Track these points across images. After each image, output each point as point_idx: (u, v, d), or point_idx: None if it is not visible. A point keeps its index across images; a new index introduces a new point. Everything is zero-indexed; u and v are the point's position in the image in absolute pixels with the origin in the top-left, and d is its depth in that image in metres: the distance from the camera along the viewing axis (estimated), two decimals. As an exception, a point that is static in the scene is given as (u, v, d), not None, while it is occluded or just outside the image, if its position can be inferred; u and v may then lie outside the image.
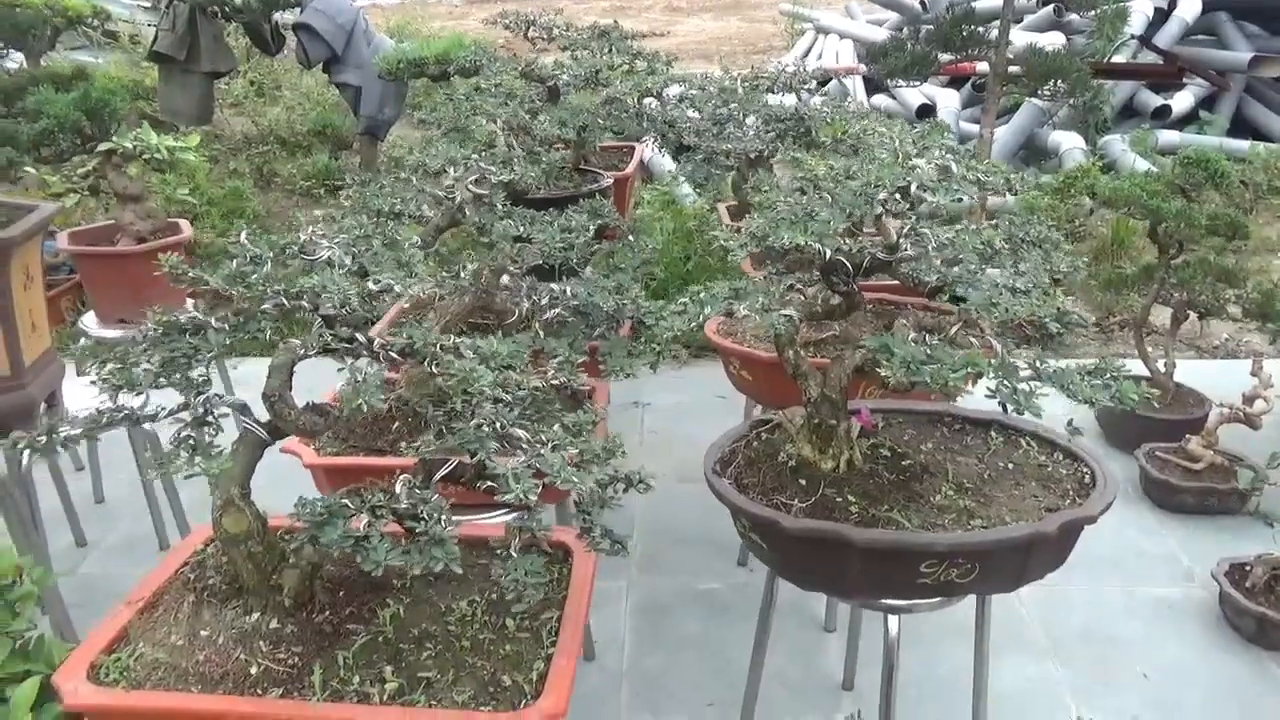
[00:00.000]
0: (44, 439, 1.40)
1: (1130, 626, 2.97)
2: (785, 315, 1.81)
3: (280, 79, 6.99)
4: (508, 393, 1.58)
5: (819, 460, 2.04)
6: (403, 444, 2.28)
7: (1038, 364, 1.74)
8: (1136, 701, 2.66)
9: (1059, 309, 1.77)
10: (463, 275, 1.83)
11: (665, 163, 6.76)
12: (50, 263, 4.76)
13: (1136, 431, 3.83)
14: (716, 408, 4.26)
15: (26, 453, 2.79)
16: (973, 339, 1.90)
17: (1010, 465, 2.14)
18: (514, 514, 1.88)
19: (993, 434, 2.27)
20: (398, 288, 1.48)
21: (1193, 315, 3.97)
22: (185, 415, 1.47)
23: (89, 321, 3.47)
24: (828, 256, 1.96)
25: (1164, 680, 2.74)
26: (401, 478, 1.49)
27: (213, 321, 1.42)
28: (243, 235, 1.48)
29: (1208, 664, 2.79)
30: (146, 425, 1.53)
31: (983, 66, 7.28)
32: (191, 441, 1.43)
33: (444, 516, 1.40)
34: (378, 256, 1.49)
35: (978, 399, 2.02)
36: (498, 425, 1.50)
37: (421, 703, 1.45)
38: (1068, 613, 3.02)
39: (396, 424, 2.34)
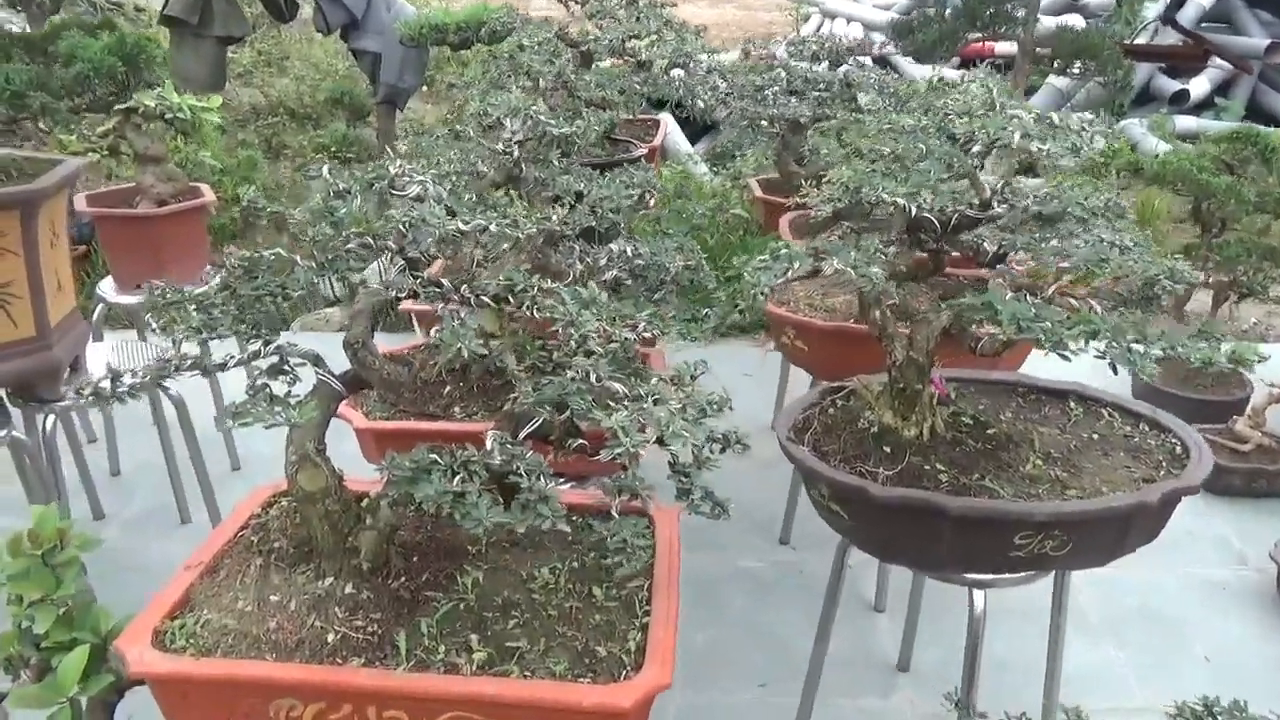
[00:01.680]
0: (108, 387, 1.29)
1: (1186, 609, 2.89)
2: (874, 271, 1.71)
3: (289, 49, 6.83)
4: (600, 345, 1.48)
5: (901, 427, 1.95)
6: (456, 409, 2.17)
7: (1143, 327, 1.66)
8: (1200, 683, 2.58)
9: (1171, 268, 1.68)
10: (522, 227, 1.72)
11: (682, 143, 6.65)
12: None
13: (1179, 413, 3.75)
14: (745, 386, 4.17)
15: (51, 417, 2.69)
16: (1073, 300, 1.81)
17: (1095, 436, 2.05)
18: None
19: (1071, 404, 2.18)
20: (493, 228, 1.37)
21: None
22: (260, 364, 1.36)
23: (106, 287, 3.35)
24: (914, 213, 1.86)
25: (1226, 662, 2.66)
26: (491, 433, 1.39)
27: (299, 260, 1.31)
28: (325, 169, 1.37)
29: (1269, 645, 2.72)
30: (194, 379, 1.42)
31: (1003, 47, 7.20)
32: (269, 391, 1.32)
33: (544, 472, 1.30)
34: (462, 198, 1.38)
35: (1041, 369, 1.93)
36: (594, 377, 1.40)
37: (515, 673, 1.35)
38: (1123, 595, 2.94)
39: (448, 388, 2.23)
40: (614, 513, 1.34)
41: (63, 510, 2.51)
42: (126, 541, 3.17)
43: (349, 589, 1.45)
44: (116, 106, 3.08)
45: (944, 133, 1.76)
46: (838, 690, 2.57)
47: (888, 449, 1.92)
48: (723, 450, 1.51)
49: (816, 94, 3.08)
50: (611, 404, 1.41)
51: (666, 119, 3.85)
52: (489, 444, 1.36)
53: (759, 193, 3.98)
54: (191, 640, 1.40)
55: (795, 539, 3.24)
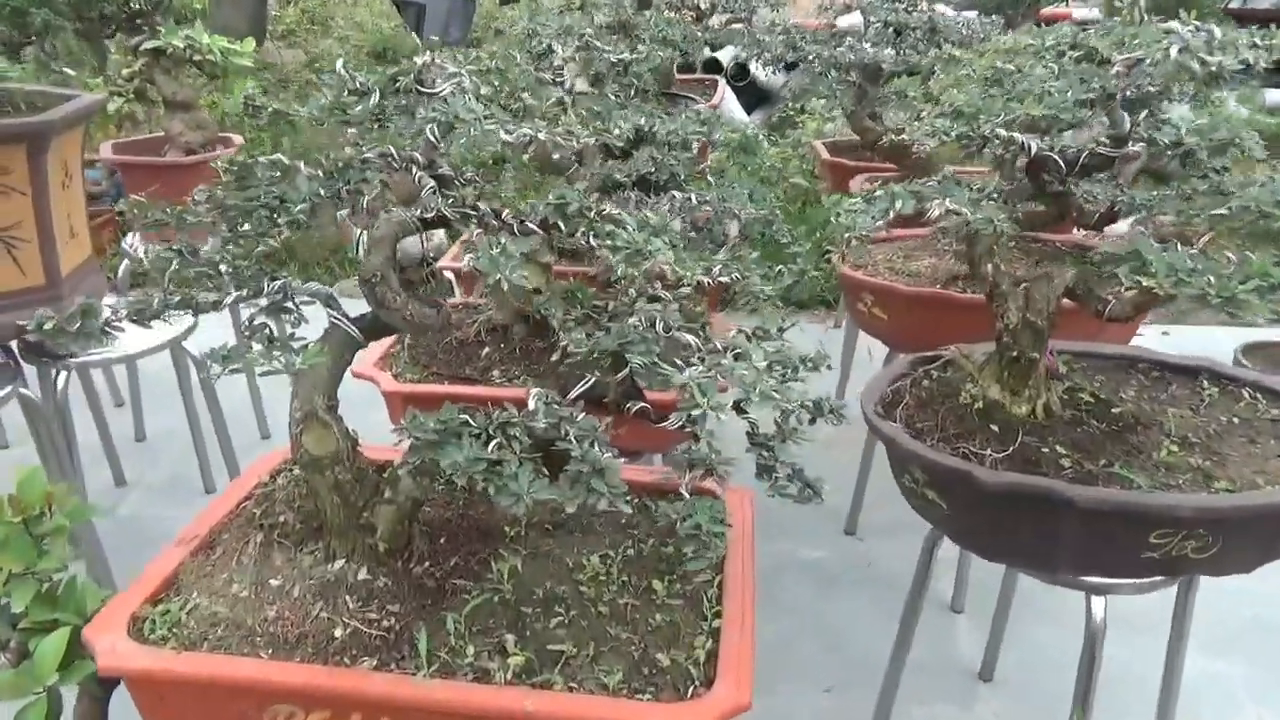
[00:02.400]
0: (76, 322, 1.06)
1: (1308, 621, 2.57)
2: (991, 212, 1.43)
3: (334, 9, 6.63)
4: (667, 290, 1.22)
5: (1010, 403, 1.67)
6: (495, 373, 1.93)
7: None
8: (1326, 705, 2.27)
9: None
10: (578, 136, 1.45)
11: (737, 111, 6.35)
12: (90, 191, 4.47)
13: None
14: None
15: (63, 375, 2.50)
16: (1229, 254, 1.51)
17: (1236, 420, 1.75)
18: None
19: (1204, 383, 1.87)
20: (542, 135, 1.12)
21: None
22: (260, 301, 1.12)
23: (134, 241, 3.16)
24: (1033, 151, 1.58)
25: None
26: (535, 393, 1.14)
27: (302, 168, 1.07)
28: (339, 64, 1.12)
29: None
30: (200, 317, 1.19)
31: (1081, 12, 6.77)
32: (268, 331, 1.08)
33: (600, 439, 1.04)
34: (509, 102, 1.13)
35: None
36: (660, 325, 1.15)
37: (559, 684, 1.11)
38: (1235, 604, 2.62)
39: (486, 349, 1.99)
40: (684, 492, 1.08)
41: (67, 473, 2.32)
42: (147, 509, 3.00)
43: (362, 574, 1.22)
44: (143, 46, 2.87)
45: (1079, 51, 1.47)
46: (913, 698, 2.30)
47: (995, 428, 1.64)
48: (813, 420, 1.25)
49: (902, 40, 2.78)
50: (681, 359, 1.16)
51: (723, 84, 3.56)
52: (531, 404, 1.12)
53: (826, 155, 3.68)
54: (175, 630, 1.17)
55: (862, 528, 2.97)
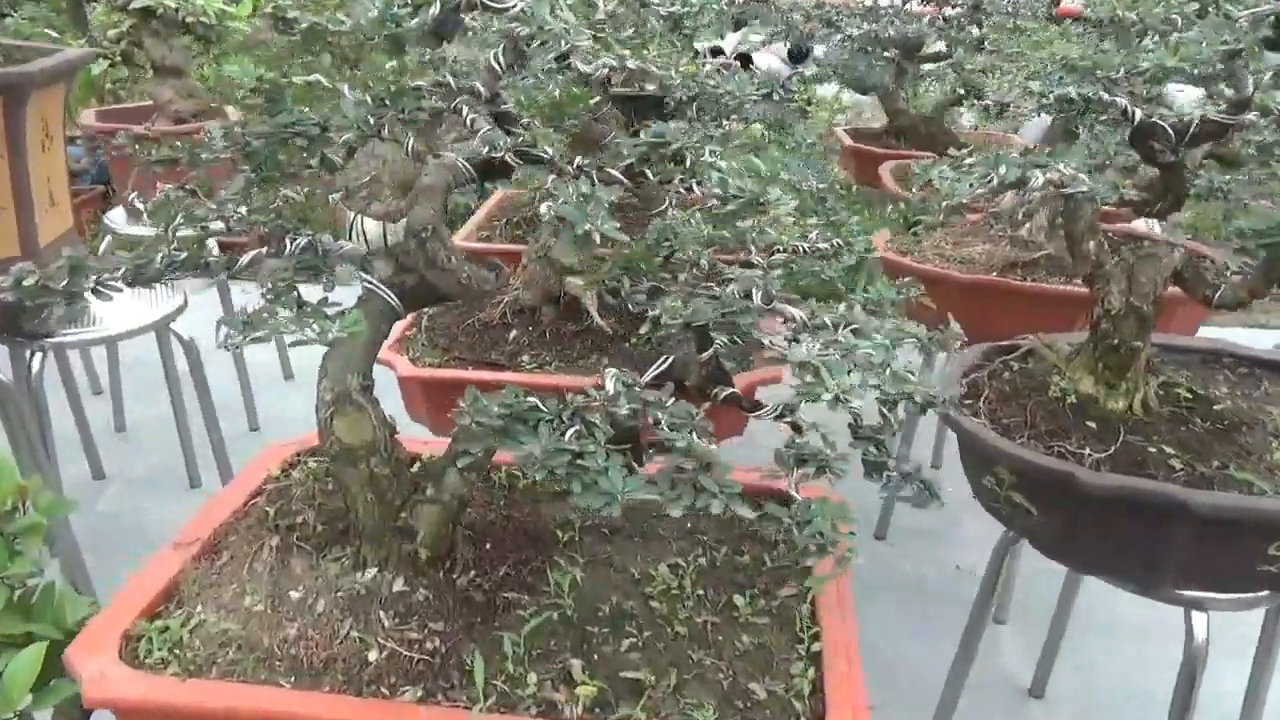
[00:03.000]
0: (64, 280, 0.87)
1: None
2: (1109, 181, 1.26)
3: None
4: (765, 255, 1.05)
5: (1106, 398, 1.50)
6: (524, 358, 1.75)
7: None
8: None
9: None
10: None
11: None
12: (72, 169, 4.24)
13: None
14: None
15: (38, 356, 2.28)
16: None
17: (1343, 419, 1.59)
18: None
19: (1297, 379, 1.72)
20: (632, 64, 0.93)
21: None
22: (282, 263, 0.94)
23: (115, 217, 2.95)
24: (1137, 118, 1.41)
25: None
26: (610, 373, 0.95)
27: (347, 90, 0.88)
28: (386, -31, 0.93)
29: None
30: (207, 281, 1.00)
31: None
32: (296, 295, 0.90)
33: (700, 428, 0.86)
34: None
35: None
36: (757, 296, 0.97)
37: (641, 721, 0.92)
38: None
39: (514, 332, 1.81)
40: (794, 491, 0.91)
41: (41, 465, 2.12)
42: (128, 504, 2.79)
43: (399, 585, 1.03)
44: (132, 5, 2.66)
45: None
46: (962, 716, 2.14)
47: (1093, 424, 1.47)
48: (923, 411, 1.08)
49: (944, 18, 2.62)
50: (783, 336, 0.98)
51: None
52: (609, 386, 0.93)
53: (849, 142, 3.52)
54: (177, 652, 0.98)
55: (893, 534, 2.81)
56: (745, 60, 6.26)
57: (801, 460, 0.94)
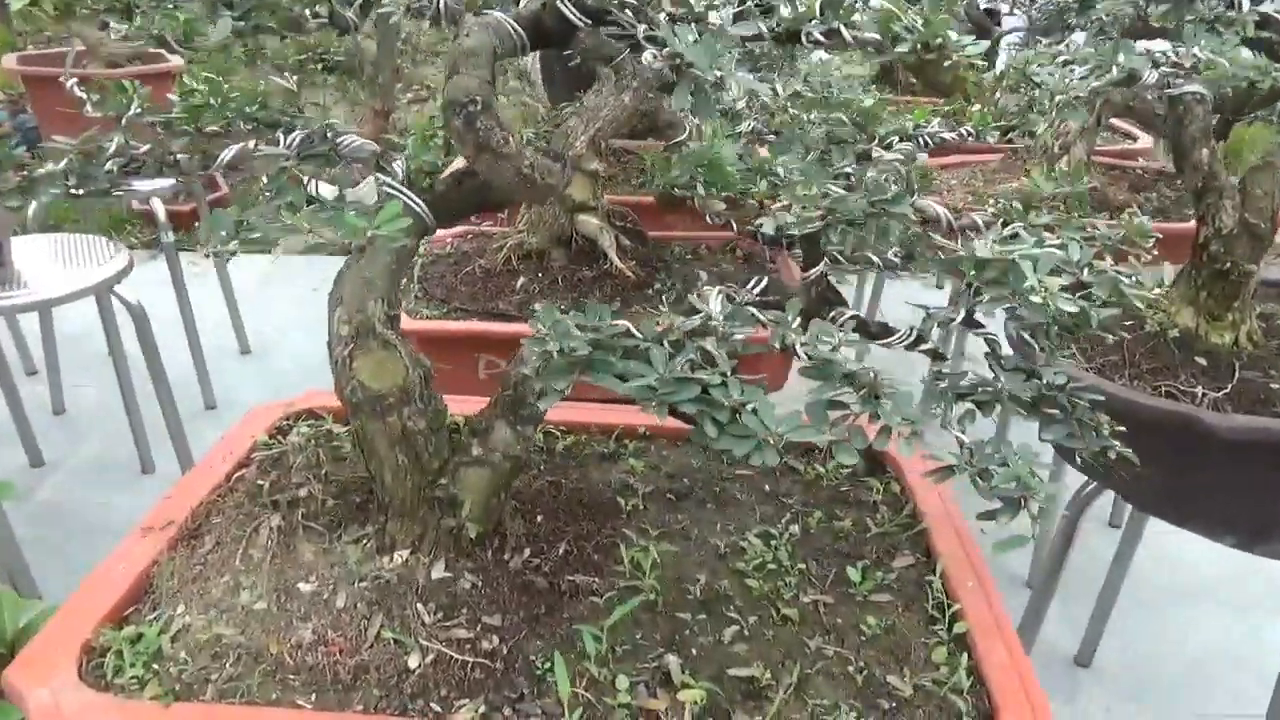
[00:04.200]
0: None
1: None
2: (1263, 66, 1.08)
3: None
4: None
5: (1210, 331, 1.33)
6: (535, 307, 1.52)
7: None
8: None
9: None
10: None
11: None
12: (-8, 134, 3.87)
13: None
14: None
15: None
16: None
17: None
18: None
19: (1390, 312, 1.56)
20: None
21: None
22: (280, 149, 0.71)
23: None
24: (1244, 5, 1.23)
25: None
26: (710, 290, 0.74)
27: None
28: None
29: None
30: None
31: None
32: (304, 188, 0.67)
33: (855, 345, 0.66)
34: None
35: None
36: (897, 184, 0.76)
37: (772, 733, 0.72)
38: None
39: (521, 280, 1.58)
40: (960, 434, 0.70)
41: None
42: (72, 495, 2.50)
43: (439, 570, 0.81)
44: (53, -67, 2.34)
45: None
46: (1010, 692, 1.97)
47: (1201, 360, 1.30)
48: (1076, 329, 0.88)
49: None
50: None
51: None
52: (714, 304, 0.72)
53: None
54: (156, 667, 0.75)
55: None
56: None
57: (960, 396, 0.74)
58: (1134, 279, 0.71)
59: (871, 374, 0.63)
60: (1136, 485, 1.34)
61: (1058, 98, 1.08)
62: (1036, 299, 0.63)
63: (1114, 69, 1.09)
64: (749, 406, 0.60)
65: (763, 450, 0.58)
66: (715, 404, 0.60)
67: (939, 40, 0.68)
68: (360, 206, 0.65)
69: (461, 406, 1.11)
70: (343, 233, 0.61)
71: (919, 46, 0.67)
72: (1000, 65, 3.75)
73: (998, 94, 1.19)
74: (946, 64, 0.69)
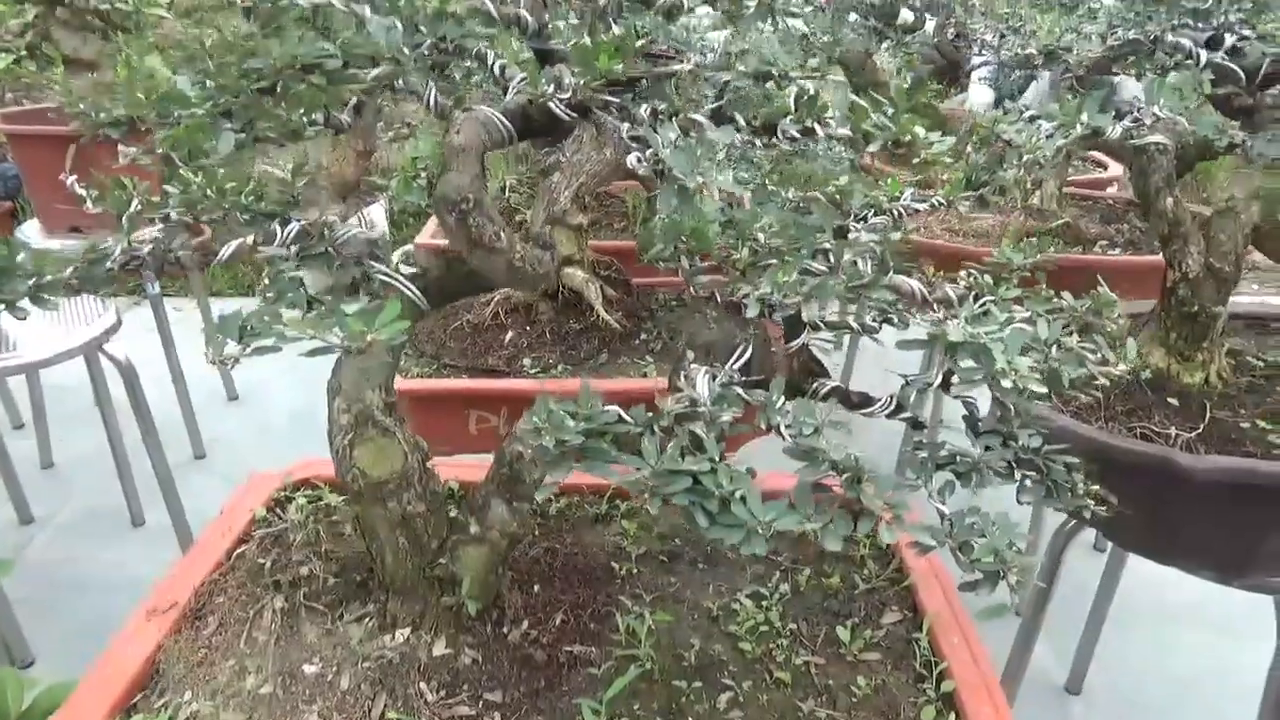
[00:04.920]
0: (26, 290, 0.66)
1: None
2: (1214, 122, 1.12)
3: (241, -13, 6.00)
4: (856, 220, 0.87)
5: (1180, 371, 1.37)
6: (525, 361, 1.55)
7: None
8: None
9: None
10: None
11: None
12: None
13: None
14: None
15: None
16: None
17: None
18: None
19: (1351, 341, 1.61)
20: None
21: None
22: (277, 249, 0.73)
23: (30, 231, 2.65)
24: (1203, 59, 1.28)
25: None
26: (698, 369, 0.77)
27: (368, 12, 0.66)
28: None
29: None
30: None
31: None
32: (304, 289, 0.69)
33: (837, 427, 0.69)
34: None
35: None
36: (866, 264, 0.79)
37: (770, 801, 0.74)
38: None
39: (509, 334, 1.60)
40: (940, 504, 0.73)
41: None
42: (62, 551, 2.50)
43: (440, 647, 0.83)
44: (36, -7, 2.38)
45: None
46: (1002, 722, 2.00)
47: (1173, 401, 1.34)
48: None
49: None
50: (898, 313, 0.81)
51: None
52: (701, 386, 0.75)
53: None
54: (165, 756, 0.77)
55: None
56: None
57: (939, 466, 0.77)
58: (1100, 355, 0.74)
59: (854, 458, 0.65)
60: (1117, 525, 1.38)
61: (1025, 157, 1.12)
62: (1007, 383, 0.66)
63: (1078, 126, 1.13)
64: (738, 494, 0.63)
65: (751, 540, 0.61)
66: (706, 493, 0.63)
67: (909, 137, 0.71)
68: (359, 309, 0.67)
69: (454, 471, 1.13)
70: (344, 338, 0.63)
71: (890, 143, 0.71)
72: (971, 98, 3.82)
73: (968, 148, 1.23)
74: (915, 160, 0.73)
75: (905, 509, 0.64)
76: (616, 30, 0.76)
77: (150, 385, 2.40)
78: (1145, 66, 1.27)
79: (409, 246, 2.22)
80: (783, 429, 0.71)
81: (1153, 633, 2.22)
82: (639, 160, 0.64)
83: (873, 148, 0.71)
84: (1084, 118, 1.13)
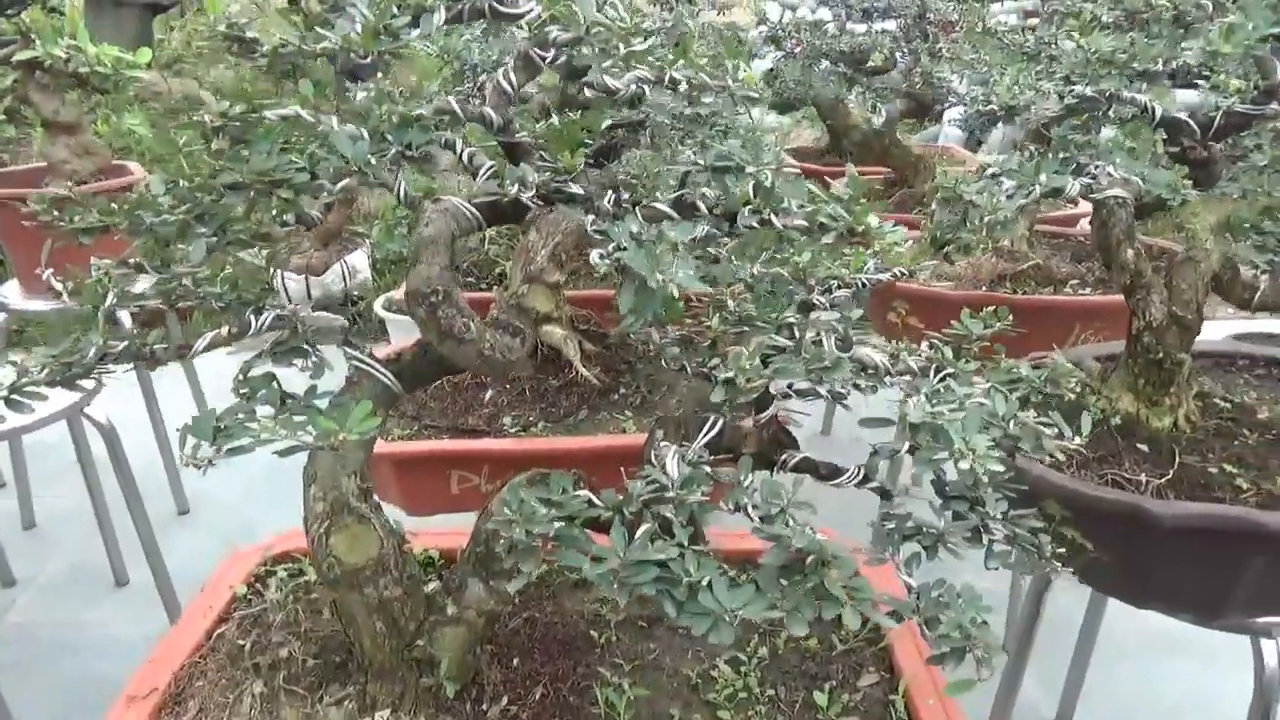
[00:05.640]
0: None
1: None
2: (1165, 179, 1.15)
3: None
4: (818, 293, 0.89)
5: (1149, 416, 1.39)
6: (506, 420, 1.56)
7: None
8: None
9: None
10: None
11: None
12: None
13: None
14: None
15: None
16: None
17: (1377, 417, 1.51)
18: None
19: (1318, 376, 1.64)
20: (681, 73, 0.77)
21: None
22: (251, 343, 0.75)
23: (9, 292, 2.66)
24: (1158, 114, 1.31)
25: None
26: (667, 449, 0.79)
27: (335, 122, 0.69)
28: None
29: None
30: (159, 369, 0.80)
31: None
32: (276, 386, 0.71)
33: (796, 513, 0.70)
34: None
35: None
36: (829, 343, 0.81)
37: None
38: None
39: (489, 392, 1.62)
40: (906, 577, 0.75)
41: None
42: (45, 613, 2.48)
43: (421, 729, 0.84)
44: (15, 57, 2.40)
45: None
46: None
47: (1142, 446, 1.36)
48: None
49: (890, 25, 2.54)
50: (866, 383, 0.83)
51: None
52: (671, 466, 0.76)
53: (793, 162, 3.42)
54: None
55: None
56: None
57: (906, 537, 0.79)
58: (1055, 430, 0.76)
59: (818, 542, 0.67)
60: (1093, 570, 1.39)
61: (986, 218, 1.15)
62: (965, 465, 0.68)
63: (1036, 187, 1.16)
64: (705, 581, 0.64)
65: (719, 628, 0.62)
66: (674, 581, 0.64)
67: (863, 227, 0.74)
68: (332, 406, 0.69)
69: (435, 540, 1.14)
70: (318, 439, 0.64)
71: (845, 232, 0.73)
72: (941, 138, 3.89)
73: (932, 206, 1.26)
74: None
75: (867, 595, 0.66)
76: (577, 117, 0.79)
77: (132, 438, 2.40)
78: (1103, 123, 1.31)
79: (393, 293, 2.24)
80: (749, 511, 0.72)
81: (1139, 664, 2.23)
82: (601, 257, 0.66)
83: (827, 239, 0.73)
84: (1042, 178, 1.16)
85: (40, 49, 2.43)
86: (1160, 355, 1.35)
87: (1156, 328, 1.34)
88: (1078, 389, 0.84)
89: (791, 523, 0.70)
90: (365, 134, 0.68)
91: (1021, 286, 2.07)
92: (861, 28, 2.53)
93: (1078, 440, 0.76)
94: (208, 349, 0.79)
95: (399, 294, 2.08)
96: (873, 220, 0.75)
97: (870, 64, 2.63)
